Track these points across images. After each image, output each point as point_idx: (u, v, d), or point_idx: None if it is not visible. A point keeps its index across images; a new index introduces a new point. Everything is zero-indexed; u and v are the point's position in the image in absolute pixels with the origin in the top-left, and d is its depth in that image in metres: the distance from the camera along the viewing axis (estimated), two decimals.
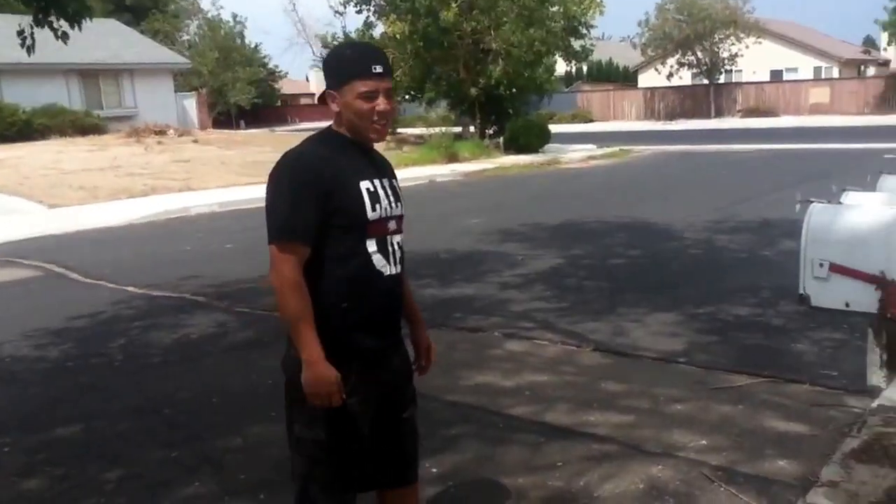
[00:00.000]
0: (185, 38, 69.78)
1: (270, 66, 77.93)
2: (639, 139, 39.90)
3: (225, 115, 64.61)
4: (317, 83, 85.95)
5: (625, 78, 74.00)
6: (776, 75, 63.03)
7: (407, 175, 20.90)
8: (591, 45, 37.33)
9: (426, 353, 3.70)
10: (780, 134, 39.61)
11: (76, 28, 9.31)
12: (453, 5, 31.04)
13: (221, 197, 21.53)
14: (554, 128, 37.88)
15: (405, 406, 3.54)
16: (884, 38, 64.31)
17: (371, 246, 3.25)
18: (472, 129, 35.79)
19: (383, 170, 3.43)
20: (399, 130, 41.14)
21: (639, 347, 7.58)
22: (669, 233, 13.70)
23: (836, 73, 62.73)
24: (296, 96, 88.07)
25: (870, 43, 77.88)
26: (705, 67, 58.52)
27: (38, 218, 19.42)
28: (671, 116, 60.35)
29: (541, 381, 6.77)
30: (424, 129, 33.94)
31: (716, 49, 56.98)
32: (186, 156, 29.26)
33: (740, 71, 61.15)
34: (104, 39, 41.13)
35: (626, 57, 71.15)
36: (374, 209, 3.24)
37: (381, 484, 3.56)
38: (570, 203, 18.68)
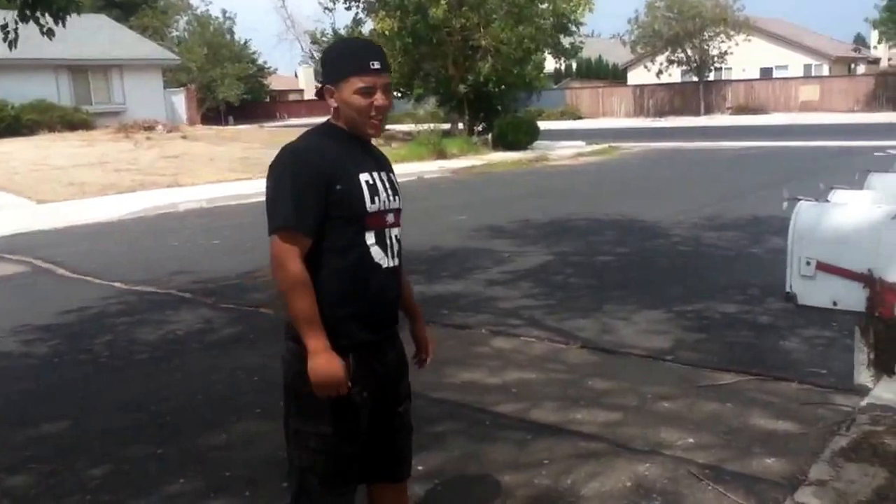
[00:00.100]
0: (175, 34, 69.89)
1: (259, 62, 77.85)
2: (628, 136, 39.98)
3: (214, 111, 64.56)
4: (305, 79, 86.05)
5: (614, 75, 74.10)
6: (766, 73, 63.20)
7: (395, 171, 20.21)
8: (581, 42, 37.35)
9: (425, 346, 3.71)
10: (769, 131, 39.68)
11: (60, 24, 9.26)
12: (442, 2, 31.05)
13: (210, 193, 21.47)
14: (543, 125, 37.81)
15: (400, 400, 3.55)
16: (874, 36, 64.59)
17: (370, 238, 3.27)
18: (460, 125, 35.79)
19: (381, 163, 3.46)
20: (388, 127, 40.95)
21: (626, 345, 7.57)
22: (658, 230, 13.70)
23: (826, 71, 62.88)
24: (284, 92, 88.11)
25: (860, 41, 78.21)
26: (695, 65, 58.59)
27: (26, 213, 19.32)
28: (661, 114, 60.51)
29: (528, 379, 6.76)
30: (413, 125, 33.86)
31: (705, 46, 57.05)
32: (175, 152, 29.15)
33: (730, 68, 61.34)
34: (93, 35, 41.11)
35: (616, 54, 71.23)
36: (373, 202, 3.26)
37: (372, 478, 3.56)
38: (558, 200, 18.67)
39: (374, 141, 3.45)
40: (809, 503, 4.17)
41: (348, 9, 36.07)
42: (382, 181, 3.35)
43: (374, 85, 3.23)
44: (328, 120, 3.39)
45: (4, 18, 9.38)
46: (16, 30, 9.14)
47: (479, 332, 8.20)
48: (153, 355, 7.98)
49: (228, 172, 25.37)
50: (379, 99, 3.25)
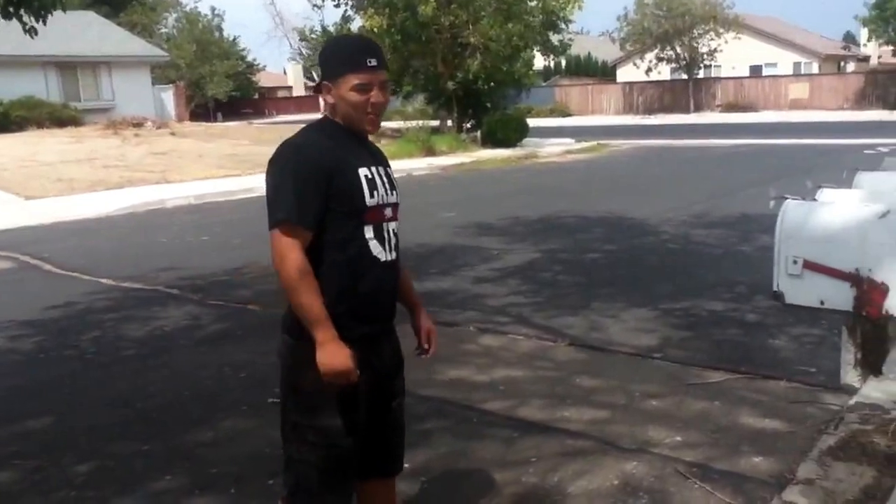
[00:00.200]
0: (164, 30, 69.88)
1: (248, 59, 77.79)
2: (617, 133, 39.98)
3: (202, 108, 64.59)
4: (294, 76, 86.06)
5: (603, 72, 74.15)
6: (756, 70, 63.24)
7: None
8: (570, 39, 37.34)
9: (427, 336, 3.70)
10: (759, 129, 39.79)
11: (41, 22, 9.22)
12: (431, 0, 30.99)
13: (198, 189, 21.42)
14: (532, 122, 37.81)
15: (394, 395, 3.56)
16: (864, 33, 64.65)
17: (368, 232, 3.31)
18: (449, 123, 35.72)
19: (378, 158, 3.48)
20: None
21: (614, 343, 7.56)
22: (646, 227, 13.70)
23: (815, 69, 62.90)
24: (273, 89, 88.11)
25: (850, 39, 78.32)
26: (684, 62, 58.61)
27: (14, 209, 19.27)
28: (650, 111, 60.59)
29: (515, 376, 6.76)
30: (402, 122, 33.84)
31: (695, 44, 57.06)
32: (163, 148, 29.14)
33: (719, 66, 61.43)
34: (82, 32, 41.07)
35: (605, 51, 71.30)
36: (371, 196, 3.29)
37: (363, 473, 3.55)
38: (546, 197, 18.65)
39: None
40: (797, 502, 4.16)
41: (337, 6, 35.94)
42: (380, 176, 3.38)
43: (371, 82, 3.26)
44: (325, 116, 3.42)
45: None
46: None
47: (466, 330, 8.18)
48: (140, 352, 7.96)
49: (217, 169, 25.33)
50: (375, 95, 3.28)
